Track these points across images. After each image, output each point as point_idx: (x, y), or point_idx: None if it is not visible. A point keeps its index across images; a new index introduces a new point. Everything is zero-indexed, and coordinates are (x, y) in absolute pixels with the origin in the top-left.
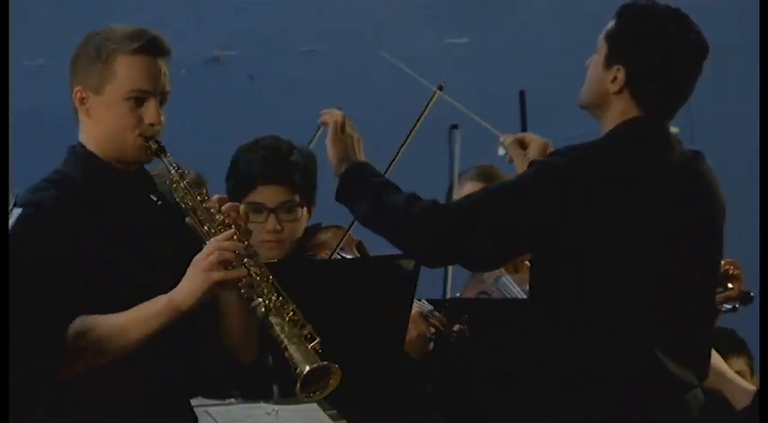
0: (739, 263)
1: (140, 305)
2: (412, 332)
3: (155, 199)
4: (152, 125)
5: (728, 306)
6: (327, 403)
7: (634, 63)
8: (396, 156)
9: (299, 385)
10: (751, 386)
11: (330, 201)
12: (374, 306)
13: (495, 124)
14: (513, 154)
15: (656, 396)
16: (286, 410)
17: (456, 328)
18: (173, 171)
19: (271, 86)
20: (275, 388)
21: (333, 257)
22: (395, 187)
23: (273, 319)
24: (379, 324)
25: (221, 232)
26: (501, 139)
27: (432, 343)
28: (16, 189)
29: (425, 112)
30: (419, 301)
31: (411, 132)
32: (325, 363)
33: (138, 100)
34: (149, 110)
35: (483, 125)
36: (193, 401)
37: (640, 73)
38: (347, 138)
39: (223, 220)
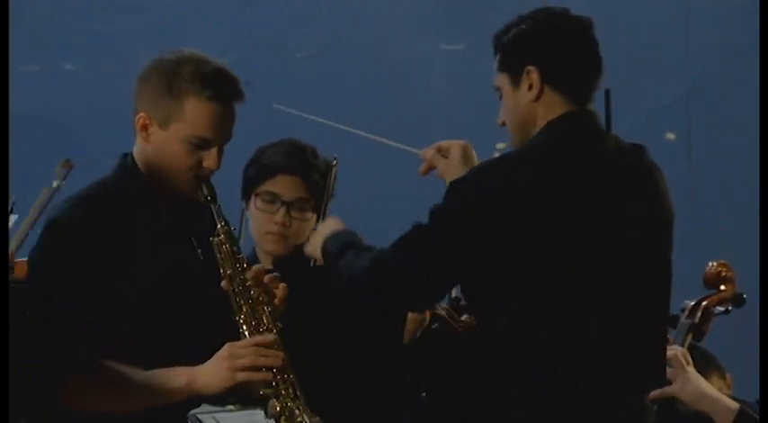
0: (731, 264)
1: (161, 373)
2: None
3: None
4: (209, 169)
5: (721, 309)
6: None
7: (542, 55)
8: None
9: None
10: (734, 404)
11: (339, 211)
12: (369, 310)
13: (492, 130)
14: (437, 163)
15: (608, 401)
16: None
17: (464, 317)
18: (219, 226)
19: (268, 92)
20: None
21: None
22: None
23: None
24: (374, 329)
25: (253, 312)
26: (420, 156)
27: (434, 325)
28: (14, 196)
29: (330, 189)
30: None
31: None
32: None
33: (200, 145)
34: (211, 155)
35: (401, 147)
36: (197, 408)
37: (551, 59)
38: None
39: (258, 298)
